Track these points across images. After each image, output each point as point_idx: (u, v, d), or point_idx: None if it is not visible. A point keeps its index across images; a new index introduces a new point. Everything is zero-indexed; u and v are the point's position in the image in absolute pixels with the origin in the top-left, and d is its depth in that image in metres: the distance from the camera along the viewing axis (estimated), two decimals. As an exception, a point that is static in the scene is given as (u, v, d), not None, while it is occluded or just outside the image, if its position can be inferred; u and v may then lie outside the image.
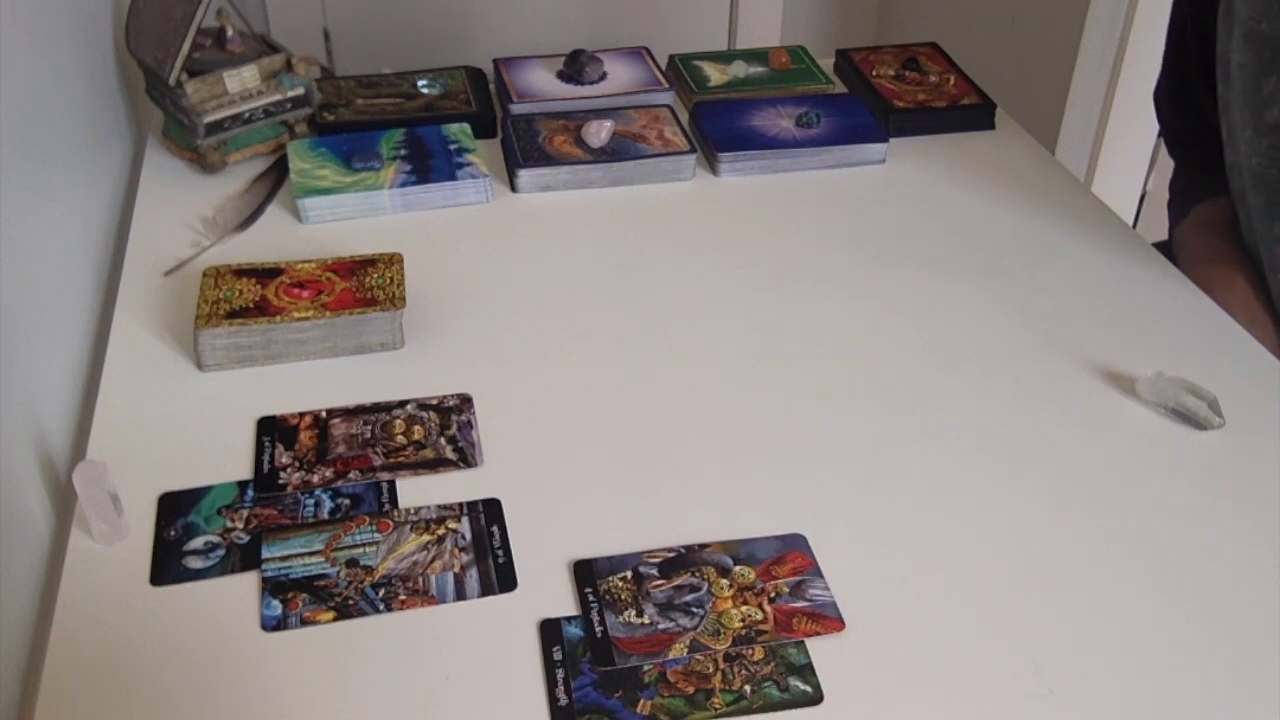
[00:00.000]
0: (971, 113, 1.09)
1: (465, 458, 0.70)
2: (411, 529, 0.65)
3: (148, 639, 0.59)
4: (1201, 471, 0.71)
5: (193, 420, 0.73)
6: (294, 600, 0.61)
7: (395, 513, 0.66)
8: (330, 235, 0.91)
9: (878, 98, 1.09)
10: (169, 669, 0.57)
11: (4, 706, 0.58)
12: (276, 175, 0.98)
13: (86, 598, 0.61)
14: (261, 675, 0.57)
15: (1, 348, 0.65)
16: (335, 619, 0.60)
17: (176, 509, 0.66)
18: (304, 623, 0.60)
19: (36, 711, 0.55)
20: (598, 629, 0.60)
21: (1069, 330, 0.83)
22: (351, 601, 0.61)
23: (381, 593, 0.62)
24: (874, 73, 1.13)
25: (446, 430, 0.72)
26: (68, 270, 0.82)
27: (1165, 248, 0.97)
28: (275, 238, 0.91)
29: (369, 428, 0.72)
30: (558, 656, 0.58)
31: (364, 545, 0.64)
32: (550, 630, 0.60)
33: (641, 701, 0.56)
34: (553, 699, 0.56)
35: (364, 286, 0.80)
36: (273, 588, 0.62)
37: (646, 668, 0.58)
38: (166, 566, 0.63)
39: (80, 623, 0.60)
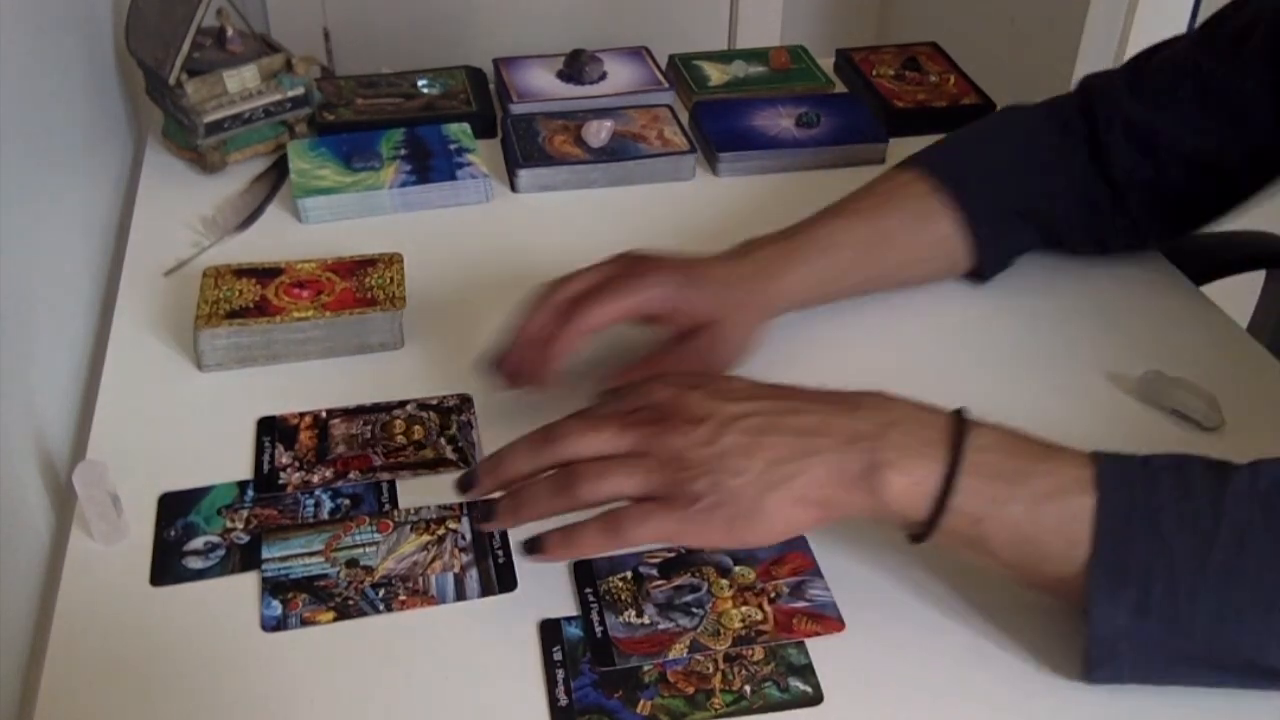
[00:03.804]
0: (971, 113, 1.09)
1: (465, 458, 0.70)
2: (411, 529, 0.65)
3: (148, 639, 0.59)
4: (1201, 471, 0.71)
5: (193, 420, 0.73)
6: (294, 600, 0.61)
7: (395, 513, 0.66)
8: (330, 235, 0.91)
9: (878, 97, 1.09)
10: (169, 669, 0.57)
11: (4, 706, 0.58)
12: (276, 175, 0.98)
13: (86, 598, 0.61)
14: (261, 675, 0.57)
15: (1, 348, 0.65)
16: (335, 619, 0.60)
17: (177, 509, 0.66)
18: (304, 623, 0.60)
19: (36, 711, 0.55)
20: (598, 629, 0.60)
21: (1069, 330, 0.82)
22: (351, 601, 0.61)
23: (381, 593, 0.62)
24: (874, 73, 1.13)
25: (446, 430, 0.72)
26: (68, 270, 0.82)
27: (1165, 248, 0.97)
28: (275, 238, 0.91)
29: (369, 428, 0.72)
30: (558, 657, 0.58)
31: (364, 545, 0.64)
32: (550, 630, 0.60)
33: (641, 702, 0.56)
34: (553, 699, 0.56)
35: (364, 286, 0.80)
36: (273, 588, 0.62)
37: (646, 668, 0.58)
38: (166, 566, 0.63)
39: (80, 623, 0.60)
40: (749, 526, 0.56)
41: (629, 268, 0.72)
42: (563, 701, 0.56)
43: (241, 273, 0.81)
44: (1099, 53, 1.67)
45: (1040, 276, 0.88)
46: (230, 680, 0.57)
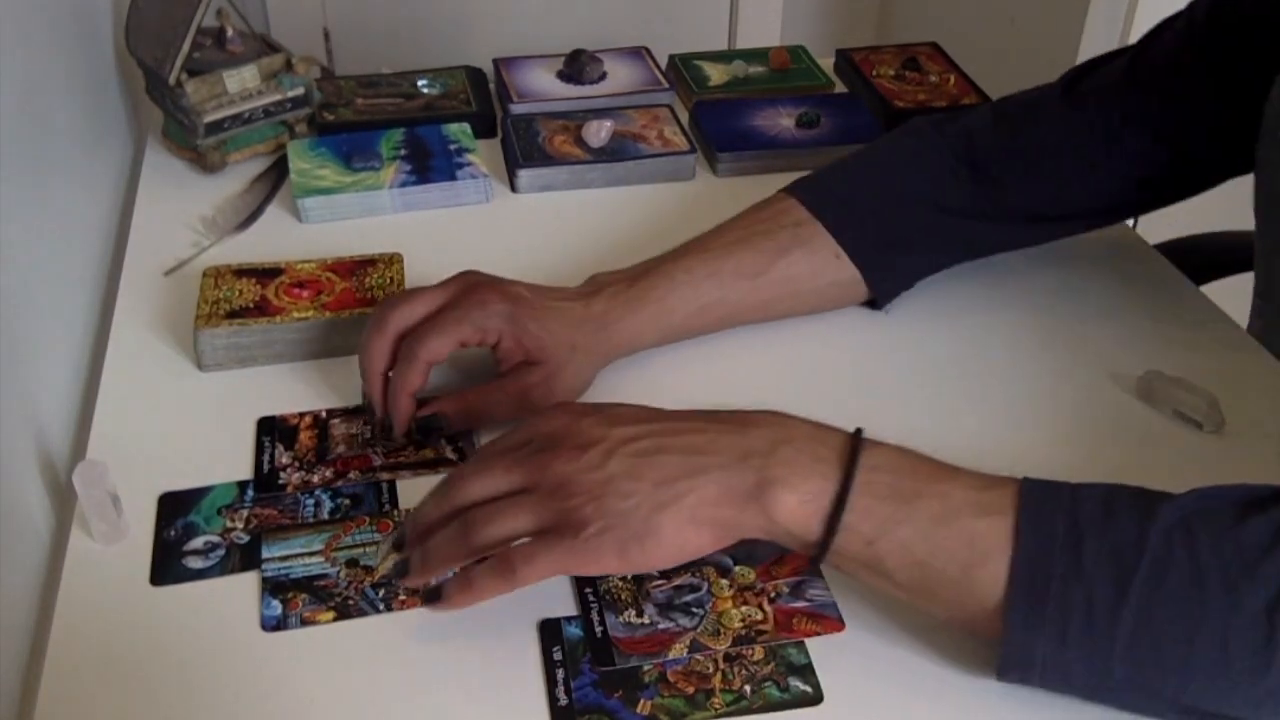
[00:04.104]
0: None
1: (465, 457, 0.70)
2: None
3: (148, 639, 0.59)
4: (1201, 471, 0.71)
5: (193, 420, 0.73)
6: (294, 600, 0.61)
7: (395, 513, 0.66)
8: (330, 235, 0.91)
9: (878, 98, 1.09)
10: (169, 669, 0.57)
11: (4, 706, 0.58)
12: (276, 175, 0.98)
13: (86, 598, 0.61)
14: (261, 675, 0.57)
15: (1, 348, 0.65)
16: (335, 619, 0.60)
17: (176, 509, 0.66)
18: (304, 623, 0.60)
19: (36, 712, 0.55)
20: (598, 629, 0.60)
21: (1069, 330, 0.82)
22: (351, 601, 0.61)
23: (381, 592, 0.62)
24: (874, 73, 1.13)
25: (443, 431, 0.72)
26: (68, 270, 0.82)
27: (1165, 248, 0.97)
28: (275, 238, 0.91)
29: (369, 428, 0.72)
30: (558, 656, 0.58)
31: (364, 545, 0.64)
32: (550, 630, 0.60)
33: (641, 701, 0.56)
34: (553, 699, 0.56)
35: (364, 286, 0.80)
36: (273, 587, 0.62)
37: (646, 668, 0.58)
38: (167, 566, 0.63)
39: (80, 623, 0.60)
40: (641, 549, 0.55)
41: (465, 293, 0.70)
42: (563, 701, 0.56)
43: (241, 273, 0.81)
44: (1099, 53, 1.67)
45: (1040, 276, 0.88)
46: (230, 680, 0.57)
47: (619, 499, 0.55)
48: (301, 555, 0.64)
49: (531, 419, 0.60)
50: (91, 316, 0.85)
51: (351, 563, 0.63)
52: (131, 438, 0.71)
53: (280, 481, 0.68)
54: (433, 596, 0.57)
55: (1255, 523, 0.52)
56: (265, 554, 0.63)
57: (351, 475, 0.69)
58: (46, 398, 0.72)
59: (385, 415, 0.70)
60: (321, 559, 0.63)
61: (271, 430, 0.72)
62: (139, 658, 0.58)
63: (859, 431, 0.58)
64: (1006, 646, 0.53)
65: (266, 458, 0.70)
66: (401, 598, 0.61)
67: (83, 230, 0.87)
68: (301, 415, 0.73)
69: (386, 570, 0.63)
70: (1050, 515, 0.54)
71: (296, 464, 0.69)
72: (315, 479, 0.68)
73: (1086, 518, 0.53)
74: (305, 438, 0.71)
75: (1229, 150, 0.78)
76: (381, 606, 0.61)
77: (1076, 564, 0.52)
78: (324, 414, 0.73)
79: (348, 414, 0.73)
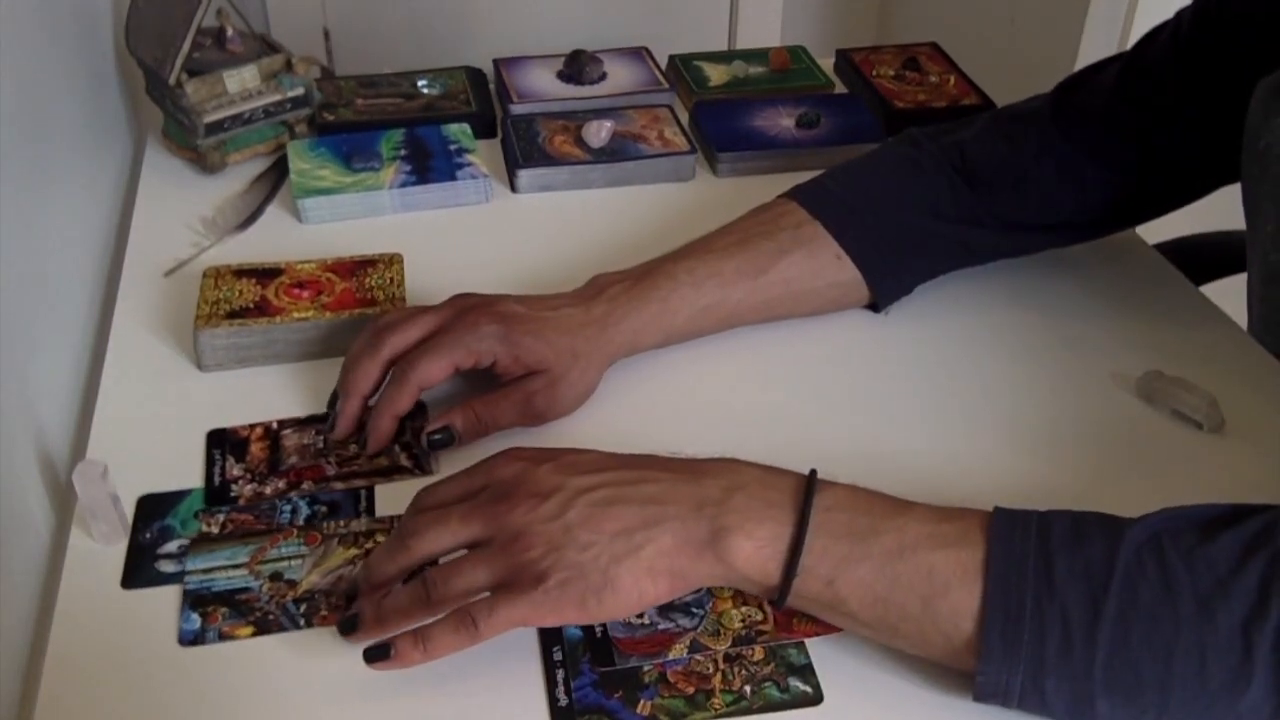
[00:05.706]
0: (971, 113, 1.08)
1: (420, 465, 0.70)
2: (339, 542, 0.64)
3: (147, 639, 0.59)
4: (1201, 471, 0.71)
5: (193, 421, 0.73)
6: (213, 614, 0.60)
7: (325, 525, 0.65)
8: (330, 235, 0.91)
9: (878, 98, 1.09)
10: (167, 671, 0.57)
11: (4, 706, 0.58)
12: (276, 175, 0.98)
13: (86, 598, 0.61)
14: (246, 676, 0.57)
15: (1, 348, 0.65)
16: (254, 634, 0.59)
17: (155, 511, 0.66)
18: (222, 637, 0.59)
19: (36, 711, 0.55)
20: (597, 629, 0.60)
21: (1069, 331, 0.82)
22: (272, 616, 0.60)
23: (303, 608, 0.60)
24: (874, 73, 1.13)
25: (401, 437, 0.71)
26: (68, 270, 0.82)
27: (1165, 248, 0.97)
28: (275, 238, 0.91)
29: (321, 437, 0.71)
30: (558, 656, 0.58)
31: (289, 558, 0.63)
32: (550, 630, 0.60)
33: (641, 701, 0.56)
34: (553, 699, 0.56)
35: (364, 286, 0.80)
36: (194, 600, 0.60)
37: (646, 668, 0.58)
38: (139, 569, 0.62)
39: (80, 623, 0.60)
40: (600, 601, 0.55)
41: (458, 317, 0.70)
42: (563, 701, 0.56)
43: (241, 273, 0.81)
44: (1099, 53, 1.67)
45: (1040, 277, 0.88)
46: (222, 680, 0.57)
47: (577, 550, 0.55)
48: (225, 568, 0.62)
49: (487, 463, 0.60)
50: (91, 316, 0.85)
51: (275, 576, 0.62)
52: (131, 438, 0.71)
53: (232, 494, 0.67)
54: (378, 654, 0.55)
55: (1224, 539, 0.52)
56: (189, 565, 0.62)
57: (305, 485, 0.68)
58: (46, 398, 0.72)
59: (353, 431, 0.70)
60: (245, 572, 0.62)
61: (221, 443, 0.71)
62: (140, 658, 0.58)
63: (813, 473, 0.58)
64: (983, 673, 0.53)
65: (217, 470, 0.69)
66: (323, 613, 0.60)
67: (83, 230, 0.87)
68: (252, 427, 0.72)
69: (312, 585, 0.61)
70: (1021, 539, 0.54)
71: (248, 475, 0.68)
72: (268, 490, 0.67)
73: (1056, 540, 0.53)
74: (256, 449, 0.70)
75: (1217, 161, 0.78)
76: (302, 622, 0.60)
77: (1049, 584, 0.52)
78: (275, 424, 0.72)
79: (300, 424, 0.72)
